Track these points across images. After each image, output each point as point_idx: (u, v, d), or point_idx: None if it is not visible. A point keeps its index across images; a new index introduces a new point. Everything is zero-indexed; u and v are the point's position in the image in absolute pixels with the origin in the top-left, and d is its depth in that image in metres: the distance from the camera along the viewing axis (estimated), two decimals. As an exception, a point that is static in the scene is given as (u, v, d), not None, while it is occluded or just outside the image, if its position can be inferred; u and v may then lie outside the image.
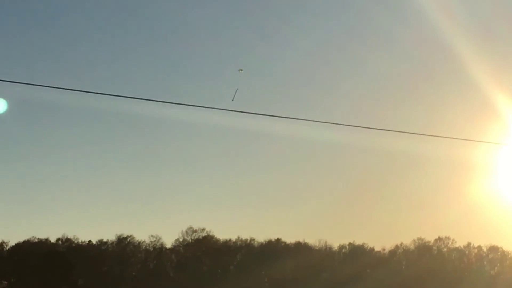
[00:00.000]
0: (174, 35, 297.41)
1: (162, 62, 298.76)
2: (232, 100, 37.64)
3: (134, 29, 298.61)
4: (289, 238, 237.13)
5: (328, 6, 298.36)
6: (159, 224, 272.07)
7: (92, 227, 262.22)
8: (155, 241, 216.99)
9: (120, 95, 37.09)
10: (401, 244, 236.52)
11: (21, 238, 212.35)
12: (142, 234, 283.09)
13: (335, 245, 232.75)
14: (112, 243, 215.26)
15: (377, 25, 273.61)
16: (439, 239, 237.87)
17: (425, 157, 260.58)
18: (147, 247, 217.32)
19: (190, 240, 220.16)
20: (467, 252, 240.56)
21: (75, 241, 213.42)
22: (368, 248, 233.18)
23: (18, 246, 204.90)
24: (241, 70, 39.43)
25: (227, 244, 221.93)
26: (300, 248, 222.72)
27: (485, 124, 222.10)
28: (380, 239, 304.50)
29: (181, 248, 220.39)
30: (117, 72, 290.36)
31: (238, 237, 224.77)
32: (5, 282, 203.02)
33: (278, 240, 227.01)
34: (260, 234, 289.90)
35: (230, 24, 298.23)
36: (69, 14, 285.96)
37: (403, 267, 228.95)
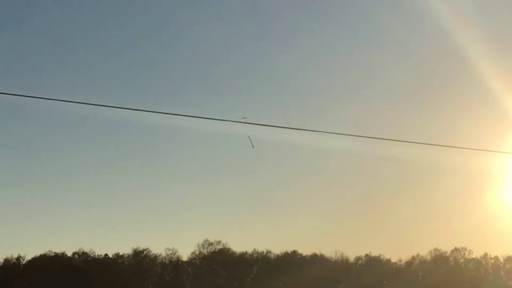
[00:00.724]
0: (191, 44, 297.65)
1: (184, 73, 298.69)
2: (253, 147, 37.49)
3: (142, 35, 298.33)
4: (305, 250, 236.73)
5: (343, 17, 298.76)
6: (175, 237, 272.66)
7: (108, 240, 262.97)
8: (171, 254, 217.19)
9: (135, 108, 37.16)
10: (418, 255, 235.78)
11: (37, 253, 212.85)
12: (158, 247, 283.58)
13: (352, 257, 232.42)
14: (129, 256, 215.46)
15: (393, 35, 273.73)
16: (456, 249, 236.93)
17: (441, 167, 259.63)
18: (164, 260, 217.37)
19: (206, 253, 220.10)
20: (484, 262, 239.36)
21: (92, 255, 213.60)
22: (385, 259, 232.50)
23: (34, 260, 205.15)
24: (245, 118, 39.51)
25: (243, 256, 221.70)
26: (317, 260, 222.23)
27: (501, 133, 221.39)
28: (397, 249, 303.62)
29: (197, 261, 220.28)
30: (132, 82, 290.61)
31: (254, 249, 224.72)
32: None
33: (294, 252, 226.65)
34: (276, 246, 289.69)
35: (245, 34, 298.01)
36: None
37: (420, 278, 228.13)
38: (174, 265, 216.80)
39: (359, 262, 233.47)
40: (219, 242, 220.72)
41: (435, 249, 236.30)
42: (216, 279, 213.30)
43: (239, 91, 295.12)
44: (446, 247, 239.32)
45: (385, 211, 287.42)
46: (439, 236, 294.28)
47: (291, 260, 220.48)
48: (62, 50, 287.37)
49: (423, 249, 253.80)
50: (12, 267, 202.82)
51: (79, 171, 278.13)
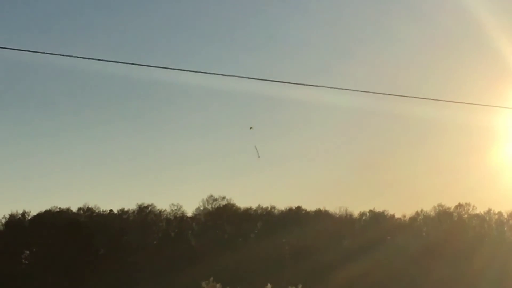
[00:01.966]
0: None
1: (178, 27, 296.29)
2: (259, 157, 36.80)
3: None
4: (310, 205, 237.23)
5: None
6: (179, 192, 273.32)
7: (113, 196, 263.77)
8: (176, 209, 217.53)
9: (143, 64, 36.76)
10: (422, 210, 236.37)
11: (42, 208, 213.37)
12: (163, 203, 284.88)
13: (356, 213, 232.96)
14: (133, 212, 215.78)
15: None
16: (460, 205, 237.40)
17: (445, 123, 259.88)
18: (168, 216, 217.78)
19: (210, 209, 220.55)
20: (487, 218, 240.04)
21: (96, 211, 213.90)
22: (389, 215, 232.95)
23: (39, 216, 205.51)
24: (252, 128, 39.10)
25: (247, 212, 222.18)
26: (321, 215, 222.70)
27: (505, 89, 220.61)
28: (401, 205, 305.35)
29: (202, 217, 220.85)
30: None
31: (259, 205, 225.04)
32: (27, 252, 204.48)
33: (298, 208, 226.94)
34: (281, 202, 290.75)
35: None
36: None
37: (424, 234, 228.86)
38: (178, 221, 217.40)
39: (363, 218, 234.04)
40: (224, 197, 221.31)
41: (439, 205, 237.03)
42: (221, 235, 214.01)
43: (232, 45, 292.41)
44: (450, 203, 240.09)
45: (389, 167, 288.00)
46: (443, 192, 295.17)
47: (295, 216, 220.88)
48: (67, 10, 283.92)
49: (427, 205, 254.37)
50: (17, 222, 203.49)
51: (84, 127, 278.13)
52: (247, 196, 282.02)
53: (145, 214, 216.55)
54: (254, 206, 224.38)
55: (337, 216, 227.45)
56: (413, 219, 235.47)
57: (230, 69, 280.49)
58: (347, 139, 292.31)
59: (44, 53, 32.69)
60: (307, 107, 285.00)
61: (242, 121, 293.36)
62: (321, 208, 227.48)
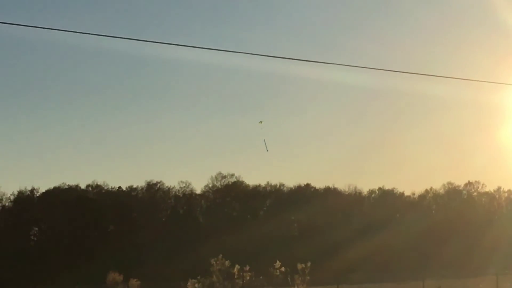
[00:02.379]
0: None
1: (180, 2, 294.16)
2: (267, 150, 36.14)
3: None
4: (319, 183, 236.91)
5: None
6: (188, 170, 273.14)
7: (121, 173, 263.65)
8: (184, 186, 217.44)
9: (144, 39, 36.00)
10: (431, 188, 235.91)
11: (51, 185, 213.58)
12: (171, 180, 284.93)
13: (365, 190, 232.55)
14: (142, 189, 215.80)
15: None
16: (469, 183, 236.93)
17: (454, 101, 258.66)
18: (177, 193, 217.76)
19: (219, 186, 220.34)
20: (497, 196, 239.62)
21: (105, 187, 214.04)
22: (398, 192, 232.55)
23: (48, 192, 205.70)
24: (261, 122, 38.77)
25: (256, 189, 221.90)
26: (330, 193, 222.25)
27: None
28: (410, 183, 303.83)
29: (210, 194, 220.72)
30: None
31: (268, 183, 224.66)
32: (36, 228, 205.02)
33: (307, 185, 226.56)
34: (290, 179, 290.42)
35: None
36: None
37: (433, 212, 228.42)
38: (187, 198, 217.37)
39: (372, 195, 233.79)
40: (232, 175, 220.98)
41: (449, 183, 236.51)
42: (230, 212, 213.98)
43: (239, 21, 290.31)
44: (460, 181, 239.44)
45: (398, 145, 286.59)
46: (453, 170, 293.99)
47: (304, 193, 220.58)
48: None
49: (437, 183, 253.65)
50: (26, 199, 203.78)
51: (93, 105, 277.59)
52: (256, 173, 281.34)
53: (153, 191, 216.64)
54: (263, 183, 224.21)
55: (346, 193, 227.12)
56: (422, 197, 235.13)
57: (236, 46, 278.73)
58: (356, 117, 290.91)
59: (32, 26, 31.87)
60: (315, 85, 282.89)
61: (250, 99, 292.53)
62: (330, 185, 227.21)
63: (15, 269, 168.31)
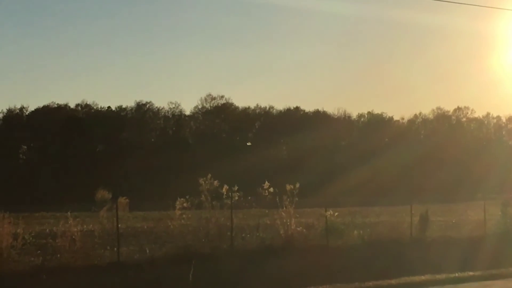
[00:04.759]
0: None
1: None
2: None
3: None
4: (308, 106, 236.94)
5: None
6: (178, 90, 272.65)
7: (111, 93, 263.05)
8: (174, 107, 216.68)
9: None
10: (420, 113, 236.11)
11: (40, 104, 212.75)
12: (161, 100, 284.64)
13: (354, 114, 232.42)
14: (131, 109, 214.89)
15: None
16: (458, 108, 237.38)
17: (444, 28, 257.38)
18: (166, 114, 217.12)
19: (209, 107, 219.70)
20: (486, 122, 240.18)
21: (94, 107, 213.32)
22: (387, 117, 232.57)
23: (37, 111, 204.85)
24: (249, 144, 38.66)
25: (246, 111, 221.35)
26: (319, 116, 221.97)
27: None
28: (399, 109, 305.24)
29: (200, 115, 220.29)
30: None
31: (257, 105, 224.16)
32: (25, 147, 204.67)
33: (297, 108, 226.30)
34: (279, 102, 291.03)
35: None
36: None
37: (422, 136, 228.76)
38: (177, 119, 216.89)
39: (361, 120, 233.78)
40: (222, 96, 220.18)
41: (438, 108, 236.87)
42: (219, 133, 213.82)
43: None
44: (449, 107, 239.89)
45: (388, 72, 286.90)
46: (442, 96, 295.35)
47: (293, 116, 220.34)
48: None
49: (426, 108, 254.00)
50: (15, 117, 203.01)
51: (82, 23, 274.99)
52: (245, 95, 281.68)
53: (143, 111, 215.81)
54: (252, 105, 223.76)
55: (336, 117, 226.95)
56: (412, 121, 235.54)
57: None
58: (347, 44, 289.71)
59: None
60: (308, 13, 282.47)
61: (242, 23, 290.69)
62: (320, 108, 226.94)
63: (4, 187, 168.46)
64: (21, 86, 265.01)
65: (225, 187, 39.27)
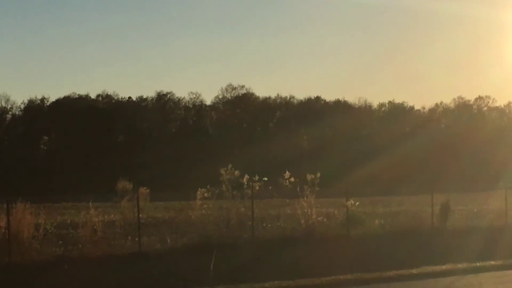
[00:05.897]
0: None
1: None
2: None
3: None
4: (329, 95, 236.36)
5: None
6: (198, 81, 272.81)
7: (131, 83, 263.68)
8: (194, 98, 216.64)
9: None
10: (441, 103, 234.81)
11: (61, 94, 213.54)
12: (181, 91, 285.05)
13: (375, 103, 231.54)
14: (152, 99, 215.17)
15: None
16: (480, 98, 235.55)
17: (467, 17, 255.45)
18: (187, 104, 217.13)
19: (229, 97, 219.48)
20: (507, 111, 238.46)
21: (115, 98, 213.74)
22: (408, 106, 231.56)
23: (58, 101, 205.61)
24: (265, 179, 38.27)
25: (266, 101, 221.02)
26: (340, 106, 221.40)
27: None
28: (420, 98, 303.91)
29: (220, 105, 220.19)
30: None
31: (278, 95, 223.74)
32: (46, 137, 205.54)
33: (317, 97, 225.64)
34: (300, 91, 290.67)
35: None
36: None
37: (443, 126, 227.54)
38: (197, 109, 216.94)
39: (382, 109, 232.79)
40: (243, 86, 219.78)
41: (459, 97, 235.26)
42: (239, 124, 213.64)
43: None
44: (470, 96, 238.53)
45: (408, 60, 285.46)
46: (463, 85, 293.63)
47: (314, 106, 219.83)
48: None
49: (447, 98, 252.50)
50: (37, 108, 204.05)
51: (103, 14, 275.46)
52: (266, 85, 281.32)
53: (163, 102, 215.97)
54: (273, 95, 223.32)
55: (356, 106, 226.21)
56: (433, 110, 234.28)
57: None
58: (367, 33, 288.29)
59: None
60: (324, 3, 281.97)
61: (261, 12, 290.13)
62: (340, 98, 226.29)
63: (25, 178, 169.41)
64: (42, 76, 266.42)
65: (246, 176, 39.23)
